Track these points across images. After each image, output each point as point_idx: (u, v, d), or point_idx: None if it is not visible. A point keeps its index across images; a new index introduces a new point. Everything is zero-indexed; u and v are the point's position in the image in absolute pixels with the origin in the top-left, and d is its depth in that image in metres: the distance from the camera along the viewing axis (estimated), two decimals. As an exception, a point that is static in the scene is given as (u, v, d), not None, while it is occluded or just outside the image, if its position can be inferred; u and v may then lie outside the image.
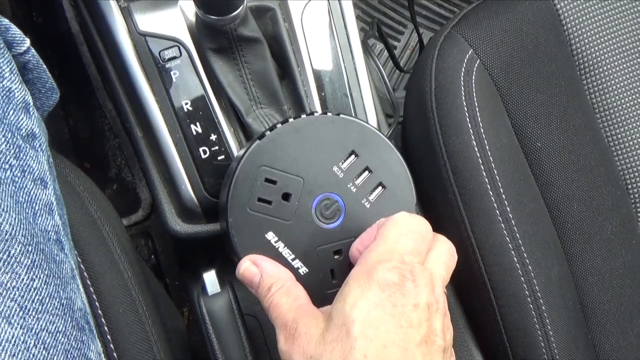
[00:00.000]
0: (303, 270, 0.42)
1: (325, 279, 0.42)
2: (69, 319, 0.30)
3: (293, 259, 0.41)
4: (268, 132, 0.42)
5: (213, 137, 0.48)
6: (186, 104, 0.47)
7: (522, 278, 0.46)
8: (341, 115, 0.43)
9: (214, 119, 0.48)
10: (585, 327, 0.51)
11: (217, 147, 0.48)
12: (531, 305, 0.46)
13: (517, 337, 0.46)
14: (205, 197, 0.49)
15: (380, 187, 0.42)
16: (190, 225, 0.50)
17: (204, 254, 0.54)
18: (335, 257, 0.42)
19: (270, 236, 0.41)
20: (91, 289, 0.36)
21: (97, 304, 0.36)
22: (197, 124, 0.48)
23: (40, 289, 0.28)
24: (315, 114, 0.42)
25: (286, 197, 0.41)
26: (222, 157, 0.48)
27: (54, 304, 0.29)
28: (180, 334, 0.53)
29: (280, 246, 0.41)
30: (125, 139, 0.85)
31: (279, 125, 0.42)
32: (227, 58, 0.47)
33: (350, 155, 0.42)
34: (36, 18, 0.84)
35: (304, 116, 0.42)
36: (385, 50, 0.71)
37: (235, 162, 0.42)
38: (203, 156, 0.48)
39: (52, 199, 0.32)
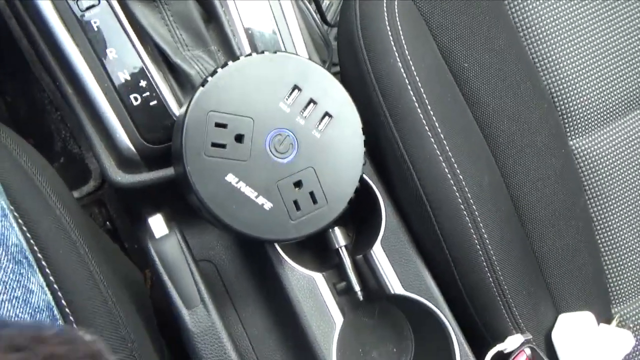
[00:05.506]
0: (268, 205, 0.43)
1: (291, 210, 0.43)
2: (4, 253, 0.30)
3: (256, 196, 0.42)
4: (210, 78, 0.42)
5: (143, 83, 0.48)
6: (110, 52, 0.47)
7: (454, 187, 0.48)
8: (278, 53, 0.43)
9: (141, 65, 0.48)
10: (523, 233, 0.54)
11: (148, 93, 0.48)
12: (464, 212, 0.48)
13: (454, 243, 0.48)
14: (143, 144, 0.49)
15: (327, 117, 0.44)
16: (131, 175, 0.51)
17: (151, 202, 0.55)
18: (296, 189, 0.43)
19: (231, 177, 0.42)
20: (28, 234, 0.36)
21: (35, 248, 0.36)
22: (125, 71, 0.47)
23: None
24: (254, 54, 0.43)
25: (239, 138, 0.42)
26: (155, 102, 0.48)
27: None
28: (138, 284, 0.54)
29: (242, 186, 0.42)
30: (68, 111, 0.83)
31: (219, 70, 0.42)
32: (146, 1, 0.46)
33: (293, 90, 0.43)
34: (-44, -6, 0.80)
35: (242, 57, 0.43)
36: (313, 3, 0.73)
37: (183, 112, 0.42)
38: (135, 103, 0.48)
39: None
